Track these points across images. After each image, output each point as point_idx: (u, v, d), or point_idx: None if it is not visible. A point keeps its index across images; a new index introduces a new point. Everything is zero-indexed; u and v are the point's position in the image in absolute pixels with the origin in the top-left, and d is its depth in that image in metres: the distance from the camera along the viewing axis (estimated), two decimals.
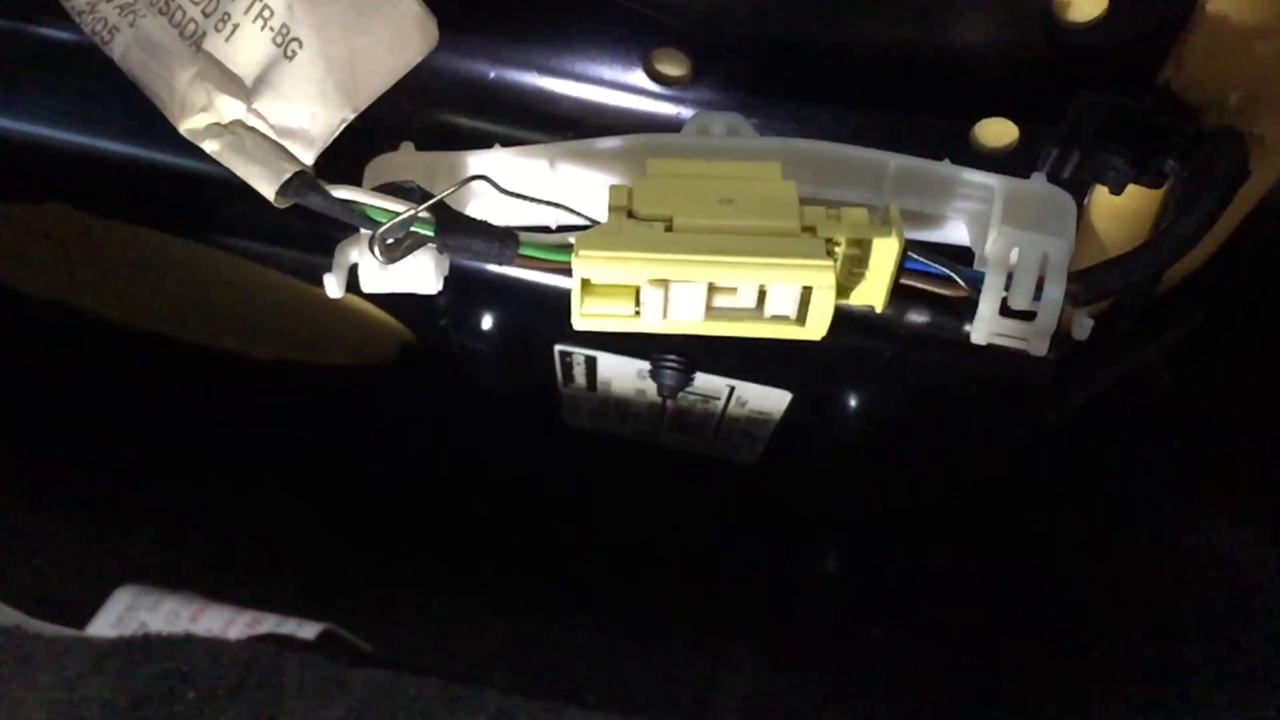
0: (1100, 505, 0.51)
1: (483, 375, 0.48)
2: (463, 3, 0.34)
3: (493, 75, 0.36)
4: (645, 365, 0.45)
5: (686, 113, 0.36)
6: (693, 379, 0.43)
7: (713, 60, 0.35)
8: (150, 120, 0.27)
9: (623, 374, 0.48)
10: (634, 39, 0.35)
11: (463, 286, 0.31)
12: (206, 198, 0.40)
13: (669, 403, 0.49)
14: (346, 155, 0.28)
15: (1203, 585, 0.43)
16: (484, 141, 0.35)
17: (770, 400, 0.47)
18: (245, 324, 0.52)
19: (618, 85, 0.36)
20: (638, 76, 0.36)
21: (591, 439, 0.57)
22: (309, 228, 0.29)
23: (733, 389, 0.47)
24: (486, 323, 0.44)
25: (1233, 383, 0.44)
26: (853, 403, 0.45)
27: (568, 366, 0.48)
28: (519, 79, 0.36)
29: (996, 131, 0.34)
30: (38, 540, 0.59)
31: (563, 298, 0.26)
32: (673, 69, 0.36)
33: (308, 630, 0.51)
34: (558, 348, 0.47)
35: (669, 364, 0.42)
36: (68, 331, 0.56)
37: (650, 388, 0.45)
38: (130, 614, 0.53)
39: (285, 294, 0.46)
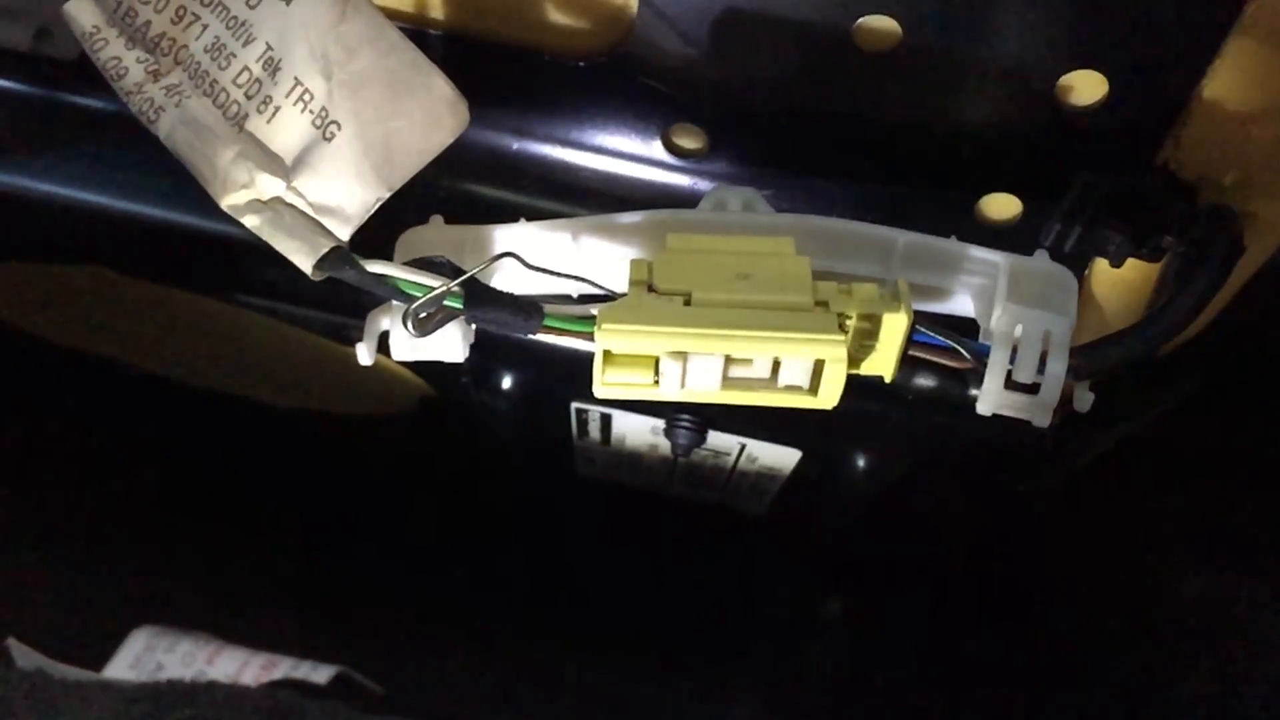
0: (1101, 559, 0.52)
1: (499, 428, 0.49)
2: (490, 79, 0.35)
3: (516, 147, 0.37)
4: (659, 423, 0.46)
5: (703, 184, 0.37)
6: (705, 438, 0.44)
7: (728, 135, 0.36)
8: (188, 188, 0.28)
9: (636, 430, 0.48)
10: (652, 114, 0.36)
11: (483, 346, 0.32)
12: (240, 262, 0.41)
13: (681, 459, 0.50)
14: (376, 221, 0.29)
15: (1204, 633, 0.44)
16: (507, 210, 0.36)
17: (780, 458, 0.48)
18: (269, 376, 0.53)
19: (636, 158, 0.37)
20: (656, 149, 0.37)
21: (603, 488, 0.57)
22: (337, 292, 0.30)
23: (744, 446, 0.48)
24: (506, 381, 0.45)
25: (1229, 443, 0.45)
26: (860, 462, 0.46)
27: (583, 423, 0.49)
28: (542, 151, 0.37)
29: (1001, 206, 0.35)
30: (54, 581, 0.59)
31: (580, 359, 0.27)
32: (690, 143, 0.37)
33: (322, 673, 0.52)
34: (574, 405, 0.48)
35: (683, 424, 0.43)
36: (86, 376, 0.57)
37: (662, 443, 0.46)
38: (147, 655, 0.53)
39: (310, 350, 0.46)
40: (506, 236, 0.31)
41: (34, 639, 0.48)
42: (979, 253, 0.30)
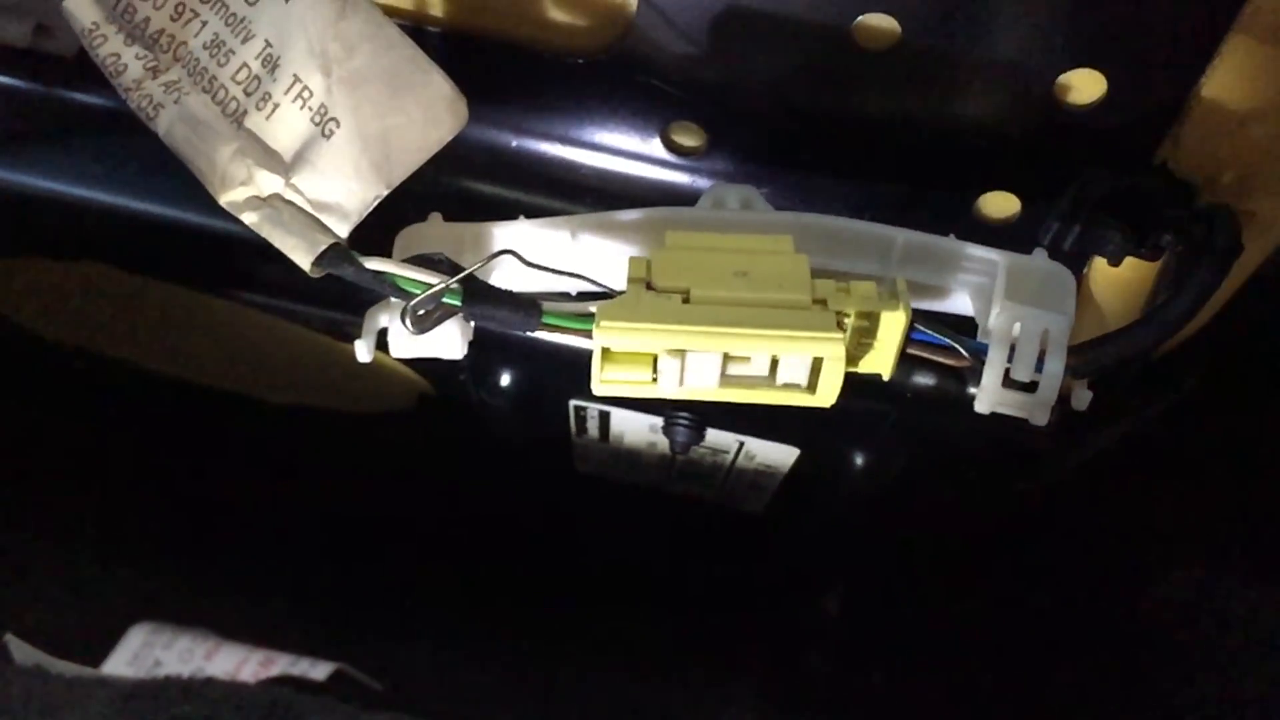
0: (1097, 558, 0.52)
1: (498, 425, 0.49)
2: (489, 77, 0.35)
3: (515, 144, 0.37)
4: (657, 420, 0.46)
5: (701, 182, 0.37)
6: (704, 435, 0.44)
7: (727, 133, 0.36)
8: (187, 184, 0.29)
9: (635, 428, 0.48)
10: (651, 112, 0.36)
11: (482, 344, 0.32)
12: (239, 259, 0.41)
13: (679, 456, 0.50)
14: (374, 219, 0.29)
15: (1201, 632, 0.44)
16: (506, 207, 0.36)
17: (778, 455, 0.48)
18: (267, 373, 0.53)
19: (635, 155, 0.37)
20: (655, 147, 0.37)
21: (601, 485, 0.58)
22: (335, 288, 0.30)
23: (742, 444, 0.48)
24: (504, 378, 0.45)
25: (1227, 443, 0.45)
26: (858, 460, 0.46)
27: (581, 420, 0.49)
28: (541, 149, 0.37)
29: (1000, 204, 0.35)
30: (53, 577, 0.59)
31: (579, 356, 0.27)
32: (688, 140, 0.37)
33: (320, 670, 0.52)
34: (573, 402, 0.48)
35: (681, 422, 0.43)
36: (84, 373, 0.57)
37: (661, 440, 0.46)
38: (145, 652, 0.53)
39: (309, 346, 0.46)
40: (505, 234, 0.31)
41: (32, 635, 0.48)
42: (977, 251, 0.30)
